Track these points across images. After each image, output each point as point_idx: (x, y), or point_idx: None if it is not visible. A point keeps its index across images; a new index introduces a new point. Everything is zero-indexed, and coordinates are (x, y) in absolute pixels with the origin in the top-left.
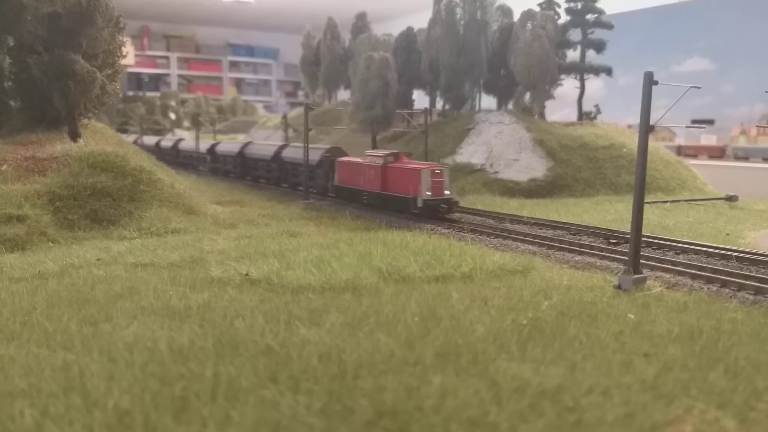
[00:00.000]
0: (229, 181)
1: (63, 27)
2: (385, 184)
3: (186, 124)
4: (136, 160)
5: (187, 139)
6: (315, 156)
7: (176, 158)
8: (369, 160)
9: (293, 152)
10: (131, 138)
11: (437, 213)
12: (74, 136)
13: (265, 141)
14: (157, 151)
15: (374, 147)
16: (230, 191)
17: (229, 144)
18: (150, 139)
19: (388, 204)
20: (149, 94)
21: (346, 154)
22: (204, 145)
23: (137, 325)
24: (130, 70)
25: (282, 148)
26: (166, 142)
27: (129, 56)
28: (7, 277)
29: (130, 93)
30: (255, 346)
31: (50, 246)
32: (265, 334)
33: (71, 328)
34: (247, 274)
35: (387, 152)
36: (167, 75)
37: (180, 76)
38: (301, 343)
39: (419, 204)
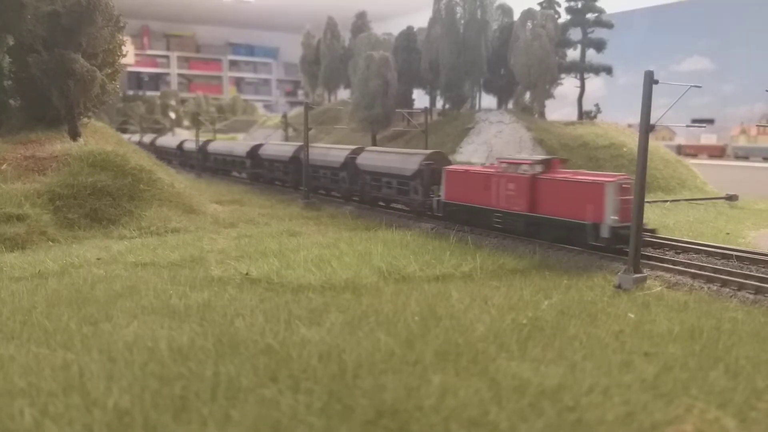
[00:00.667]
0: (229, 180)
1: (63, 26)
2: (536, 202)
3: (186, 123)
4: (136, 159)
5: (218, 140)
6: (410, 165)
7: (204, 162)
8: (505, 169)
9: (375, 159)
10: (145, 138)
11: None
12: (74, 135)
13: (329, 144)
14: (179, 154)
15: (374, 146)
16: (230, 190)
17: (278, 146)
18: (167, 140)
19: (542, 231)
20: (149, 93)
21: (450, 162)
22: (242, 148)
23: (137, 325)
24: (130, 69)
25: (356, 152)
26: (190, 143)
27: (129, 55)
28: (7, 277)
29: (130, 92)
30: (255, 345)
31: (50, 245)
32: (265, 334)
33: (71, 327)
34: (247, 274)
35: (535, 158)
36: (167, 74)
37: (180, 75)
38: (301, 343)
39: (604, 234)
